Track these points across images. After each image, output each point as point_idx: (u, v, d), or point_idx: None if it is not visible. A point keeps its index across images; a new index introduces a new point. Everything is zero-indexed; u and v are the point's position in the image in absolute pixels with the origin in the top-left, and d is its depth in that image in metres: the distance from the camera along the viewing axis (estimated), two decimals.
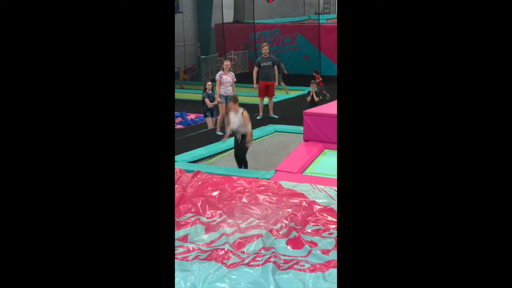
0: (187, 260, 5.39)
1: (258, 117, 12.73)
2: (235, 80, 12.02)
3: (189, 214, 6.61)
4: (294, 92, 16.82)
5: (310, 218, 6.33)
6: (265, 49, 12.96)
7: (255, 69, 12.94)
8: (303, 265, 5.27)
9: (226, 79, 11.71)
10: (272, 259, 5.32)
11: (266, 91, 12.84)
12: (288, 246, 5.69)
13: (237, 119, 8.68)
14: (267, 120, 12.50)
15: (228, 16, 22.60)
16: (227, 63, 12.01)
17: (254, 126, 10.82)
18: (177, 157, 9.39)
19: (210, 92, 11.88)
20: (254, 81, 13.09)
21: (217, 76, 11.84)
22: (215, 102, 11.79)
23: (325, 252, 5.52)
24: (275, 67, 12.95)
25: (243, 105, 12.12)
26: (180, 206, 6.81)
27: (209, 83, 12.04)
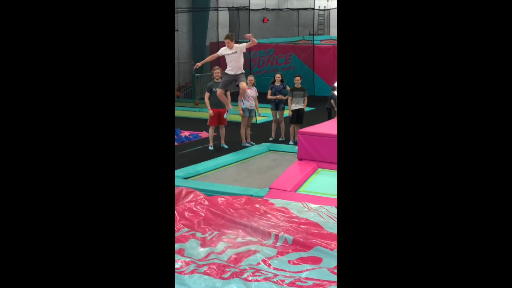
0: (184, 274, 5.42)
1: (210, 148, 11.90)
2: (258, 94, 12.32)
3: (185, 229, 6.65)
4: (286, 112, 16.88)
5: (307, 235, 6.39)
6: (216, 72, 11.95)
7: (207, 94, 11.85)
8: (305, 282, 5.29)
9: (250, 93, 12.08)
10: (274, 279, 5.34)
11: (219, 119, 11.81)
12: (289, 263, 5.73)
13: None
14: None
15: (223, 34, 22.70)
16: (250, 78, 12.48)
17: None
18: None
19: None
20: (208, 107, 11.80)
21: None
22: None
23: (330, 270, 5.55)
24: (228, 92, 11.54)
25: (231, 123, 12.26)
26: (175, 222, 6.86)
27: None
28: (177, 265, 5.65)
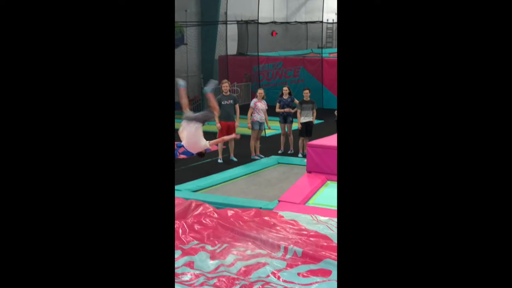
0: (194, 287, 5.44)
1: (219, 161, 11.98)
2: (267, 107, 12.38)
3: (194, 242, 6.67)
4: (295, 125, 16.90)
5: (316, 247, 6.40)
6: (225, 86, 11.98)
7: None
8: None
9: (260, 106, 12.21)
10: None
11: (228, 132, 11.44)
12: (298, 275, 5.74)
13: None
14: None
15: (232, 48, 22.83)
16: (260, 91, 12.55)
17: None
18: (180, 187, 9.46)
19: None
20: (216, 120, 11.46)
21: (252, 104, 12.34)
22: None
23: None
24: (237, 105, 11.95)
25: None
26: (183, 235, 6.88)
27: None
28: (187, 277, 5.68)
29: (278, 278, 5.67)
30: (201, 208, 7.76)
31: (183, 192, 9.12)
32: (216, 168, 11.19)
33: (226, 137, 9.06)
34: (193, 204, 7.87)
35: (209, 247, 6.53)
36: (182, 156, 13.09)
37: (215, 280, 5.58)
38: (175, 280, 5.52)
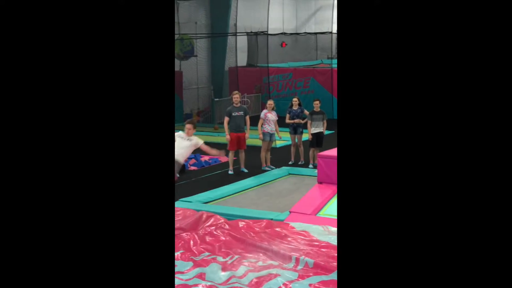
0: None
1: (230, 172, 11.95)
2: (277, 118, 12.34)
3: (206, 254, 6.67)
4: (305, 136, 16.92)
5: (327, 258, 6.38)
6: (235, 97, 12.03)
7: (226, 119, 11.86)
8: None
9: (270, 117, 12.20)
10: None
11: (238, 144, 11.86)
12: (310, 286, 5.71)
13: (185, 144, 8.28)
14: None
15: (242, 59, 22.90)
16: (270, 102, 12.61)
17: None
18: (191, 198, 9.47)
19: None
20: (226, 132, 11.86)
21: (262, 115, 12.33)
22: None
23: None
24: (247, 117, 11.99)
25: (250, 147, 12.28)
26: (195, 246, 6.89)
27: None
28: None
29: None
30: (212, 220, 7.76)
31: (194, 203, 9.12)
32: (226, 180, 11.19)
33: (213, 151, 8.94)
34: (204, 216, 7.88)
35: (220, 259, 6.53)
36: (192, 168, 13.11)
37: None
38: None
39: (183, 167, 12.45)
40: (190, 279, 5.94)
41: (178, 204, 8.97)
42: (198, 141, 8.36)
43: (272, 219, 8.08)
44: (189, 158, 13.82)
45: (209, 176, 11.78)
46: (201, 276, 6.02)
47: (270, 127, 12.20)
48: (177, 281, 5.72)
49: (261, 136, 12.20)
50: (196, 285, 5.79)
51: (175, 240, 7.00)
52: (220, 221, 7.70)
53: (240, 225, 7.61)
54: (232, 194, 10.13)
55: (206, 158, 13.87)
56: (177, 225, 7.45)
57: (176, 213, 7.96)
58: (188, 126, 8.42)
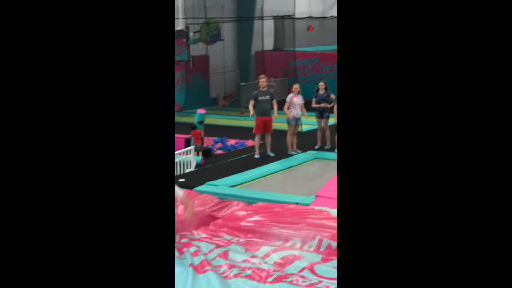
0: (228, 278, 5.48)
1: (256, 156, 11.93)
2: (304, 102, 12.29)
3: (228, 236, 6.72)
4: (331, 120, 16.87)
5: None
6: (262, 81, 11.99)
7: (252, 102, 11.83)
8: None
9: (296, 101, 12.09)
10: (319, 285, 5.33)
11: (264, 128, 11.89)
12: (332, 269, 5.73)
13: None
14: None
15: (268, 43, 22.84)
16: (296, 86, 12.48)
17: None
18: (217, 182, 9.52)
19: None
20: (252, 111, 11.82)
21: (288, 98, 12.26)
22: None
23: None
24: (274, 101, 11.98)
25: (275, 132, 12.26)
26: (217, 229, 6.95)
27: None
28: (222, 269, 5.72)
29: (313, 272, 5.66)
30: (235, 203, 7.82)
31: (220, 187, 9.18)
32: (253, 164, 11.22)
33: None
34: (227, 200, 7.96)
35: (243, 240, 6.57)
36: (219, 152, 13.17)
37: (249, 272, 5.61)
38: (209, 269, 5.58)
39: (210, 151, 12.51)
40: (213, 259, 5.99)
41: (204, 188, 9.04)
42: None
43: (298, 203, 8.10)
44: (216, 142, 13.89)
45: (235, 160, 11.81)
46: (223, 256, 6.07)
47: (296, 111, 12.14)
48: (199, 261, 5.79)
49: (289, 115, 12.11)
50: (221, 265, 5.84)
51: (198, 222, 7.08)
52: (243, 205, 7.77)
53: (266, 209, 7.63)
54: (258, 178, 10.16)
55: (232, 142, 13.92)
56: (200, 209, 7.52)
57: (199, 198, 8.02)
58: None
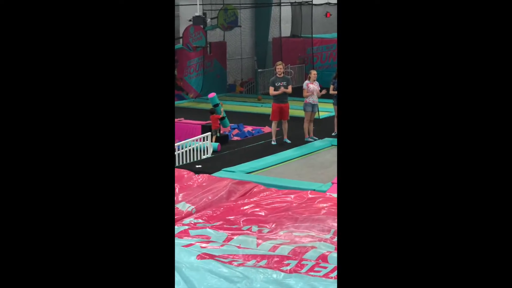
0: (244, 267, 5.50)
1: (272, 143, 11.97)
2: (320, 88, 12.29)
3: (243, 225, 6.73)
4: None
5: None
6: (279, 68, 12.03)
7: (271, 88, 11.93)
8: None
9: (312, 88, 12.04)
10: (332, 274, 5.32)
11: (281, 114, 11.92)
12: None
13: None
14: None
15: (286, 30, 22.76)
16: (314, 72, 12.40)
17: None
18: (234, 168, 9.56)
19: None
20: (276, 92, 11.85)
21: (304, 85, 12.28)
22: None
23: None
24: (290, 87, 11.91)
25: (293, 118, 12.24)
26: (231, 217, 6.95)
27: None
28: (236, 258, 5.74)
29: (327, 261, 5.65)
30: (253, 190, 7.84)
31: (237, 173, 9.21)
32: (269, 150, 11.24)
33: None
34: (245, 186, 7.96)
35: (255, 228, 6.58)
36: (235, 138, 13.20)
37: (265, 261, 5.62)
38: (224, 261, 5.60)
39: (226, 137, 12.55)
40: (226, 248, 6.01)
41: (221, 174, 9.08)
42: None
43: (314, 189, 8.11)
44: (232, 128, 13.92)
45: (252, 147, 11.84)
46: (239, 246, 6.08)
47: (312, 98, 12.12)
48: (212, 250, 5.82)
49: (306, 93, 12.09)
50: (233, 255, 5.86)
51: (212, 210, 7.11)
52: (260, 192, 7.77)
53: (281, 196, 7.64)
54: (275, 164, 10.19)
55: (249, 128, 13.94)
56: (213, 196, 7.55)
57: (213, 183, 8.05)
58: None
